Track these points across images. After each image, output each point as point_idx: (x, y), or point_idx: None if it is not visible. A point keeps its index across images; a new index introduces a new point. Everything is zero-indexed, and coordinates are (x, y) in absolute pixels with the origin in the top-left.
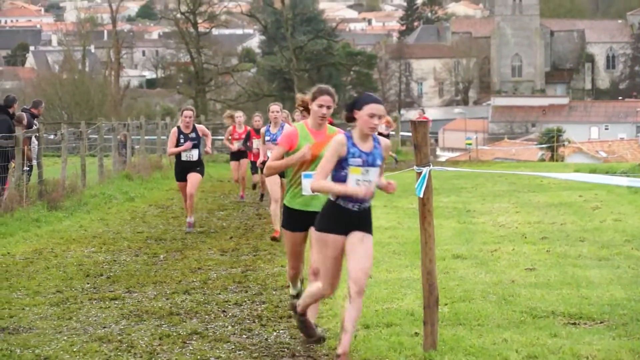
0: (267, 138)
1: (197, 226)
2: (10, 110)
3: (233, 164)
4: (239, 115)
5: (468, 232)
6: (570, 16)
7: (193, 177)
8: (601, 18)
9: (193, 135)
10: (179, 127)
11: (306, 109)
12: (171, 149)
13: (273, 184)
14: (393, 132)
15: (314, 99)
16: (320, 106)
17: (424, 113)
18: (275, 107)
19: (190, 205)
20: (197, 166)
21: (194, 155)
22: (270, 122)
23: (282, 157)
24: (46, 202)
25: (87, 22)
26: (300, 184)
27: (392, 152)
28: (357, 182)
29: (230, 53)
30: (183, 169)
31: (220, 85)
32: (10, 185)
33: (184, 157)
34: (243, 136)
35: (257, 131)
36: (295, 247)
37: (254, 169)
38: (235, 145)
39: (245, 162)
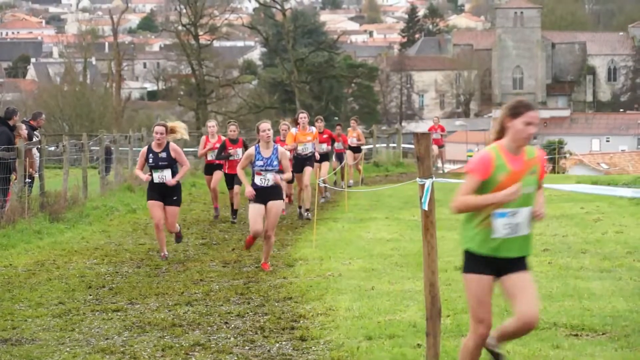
0: (259, 163)
1: (200, 237)
2: (11, 123)
3: (207, 178)
4: (212, 125)
5: None
6: (571, 28)
7: (170, 213)
8: (602, 30)
9: (163, 155)
10: (149, 146)
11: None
12: (137, 170)
13: (256, 215)
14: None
15: (516, 114)
16: (528, 124)
17: (439, 121)
18: (266, 126)
19: (161, 240)
20: (173, 195)
21: (166, 176)
22: (260, 143)
23: (477, 189)
24: (48, 213)
25: (88, 34)
26: (489, 224)
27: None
28: None
29: (232, 65)
30: (155, 191)
31: (221, 97)
32: (12, 197)
33: (156, 179)
34: (217, 145)
35: (233, 141)
36: (483, 293)
37: (229, 183)
38: (209, 156)
39: (218, 174)
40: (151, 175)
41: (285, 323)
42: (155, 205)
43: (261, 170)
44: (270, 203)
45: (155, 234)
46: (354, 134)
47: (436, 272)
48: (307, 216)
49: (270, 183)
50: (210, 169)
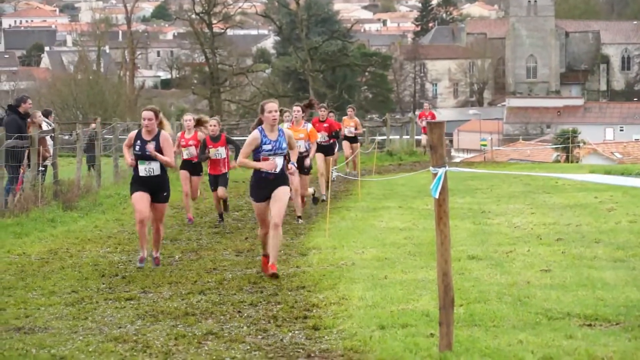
0: (266, 147)
1: (213, 226)
2: (21, 110)
3: (183, 173)
4: (188, 119)
5: (483, 233)
6: (585, 17)
7: (159, 209)
8: (616, 19)
9: (152, 145)
10: (139, 131)
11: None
12: (125, 147)
13: (262, 213)
14: (361, 137)
15: None
16: None
17: (430, 108)
18: (273, 106)
19: (156, 240)
20: (161, 190)
21: (154, 169)
22: (263, 125)
23: None
24: (61, 202)
25: (102, 22)
26: None
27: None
28: None
29: (245, 54)
30: (142, 185)
31: (235, 85)
32: (25, 185)
33: (142, 172)
34: (190, 142)
35: (214, 138)
36: None
37: (214, 183)
38: (184, 154)
39: (197, 179)
40: (136, 162)
41: (298, 312)
42: (143, 198)
43: (269, 155)
44: (275, 191)
45: (137, 229)
46: (351, 122)
47: (449, 261)
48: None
49: (279, 169)
50: (187, 165)
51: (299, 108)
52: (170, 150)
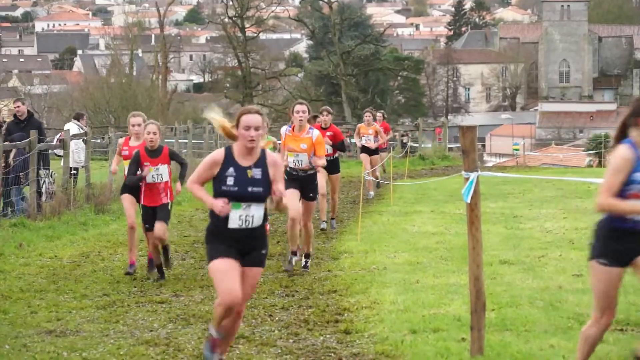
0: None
1: None
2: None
3: (126, 197)
4: (137, 124)
5: (515, 237)
6: (618, 22)
7: (249, 279)
8: None
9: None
10: (228, 152)
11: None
12: (198, 191)
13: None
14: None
15: None
16: None
17: (383, 118)
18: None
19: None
20: (259, 247)
21: (254, 217)
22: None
23: None
24: (93, 205)
25: (134, 26)
26: None
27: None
28: None
29: (278, 57)
30: (227, 245)
31: (267, 89)
32: (58, 189)
33: (234, 223)
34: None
35: (151, 152)
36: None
37: (148, 220)
38: (113, 166)
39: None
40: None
41: (329, 316)
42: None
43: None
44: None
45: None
46: (369, 130)
47: (481, 265)
48: (305, 265)
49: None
50: (128, 187)
51: (304, 108)
52: (283, 184)
